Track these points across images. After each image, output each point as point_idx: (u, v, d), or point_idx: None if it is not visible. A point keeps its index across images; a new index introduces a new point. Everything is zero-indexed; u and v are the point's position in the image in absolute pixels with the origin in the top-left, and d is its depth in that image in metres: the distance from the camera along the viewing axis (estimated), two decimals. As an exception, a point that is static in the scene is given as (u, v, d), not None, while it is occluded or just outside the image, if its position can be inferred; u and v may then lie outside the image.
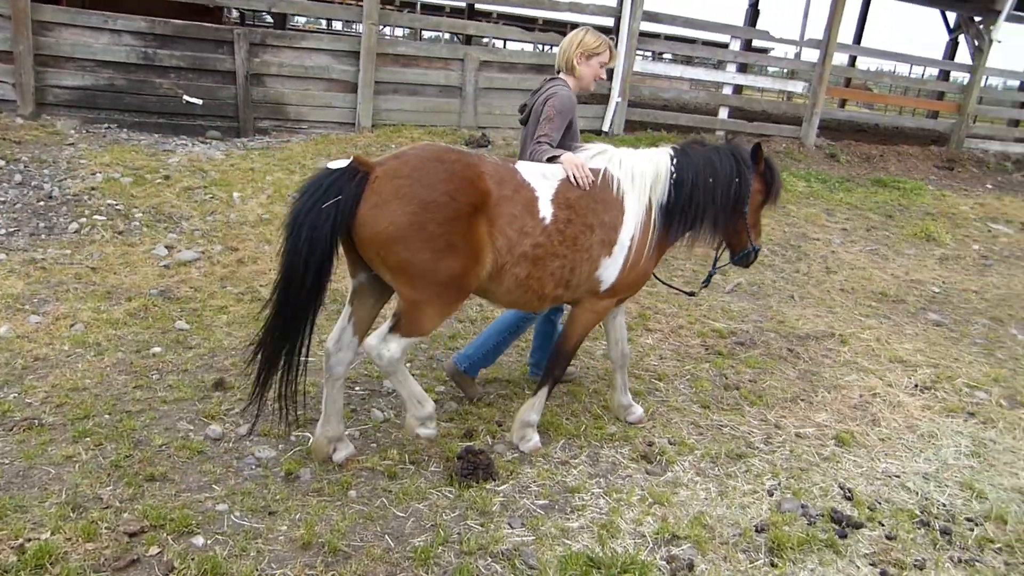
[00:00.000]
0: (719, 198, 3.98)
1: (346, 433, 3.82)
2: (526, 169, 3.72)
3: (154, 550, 3.05)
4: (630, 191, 3.86)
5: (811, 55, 14.00)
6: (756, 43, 19.69)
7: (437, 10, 28.52)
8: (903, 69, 29.84)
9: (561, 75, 4.31)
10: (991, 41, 15.17)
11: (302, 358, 3.52)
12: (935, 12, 18.79)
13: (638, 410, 4.48)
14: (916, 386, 5.50)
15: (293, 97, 9.86)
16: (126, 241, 6.35)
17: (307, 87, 9.95)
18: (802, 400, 5.06)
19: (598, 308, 3.98)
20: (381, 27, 11.67)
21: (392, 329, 3.51)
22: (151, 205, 6.93)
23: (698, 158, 3.98)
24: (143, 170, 7.51)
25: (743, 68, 15.93)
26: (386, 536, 3.29)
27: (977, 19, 15.54)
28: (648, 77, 18.70)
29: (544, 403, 4.07)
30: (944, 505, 4.00)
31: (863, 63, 22.73)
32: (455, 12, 27.35)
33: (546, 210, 3.61)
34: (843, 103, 24.64)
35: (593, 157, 3.91)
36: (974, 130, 16.48)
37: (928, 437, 4.75)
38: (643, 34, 12.69)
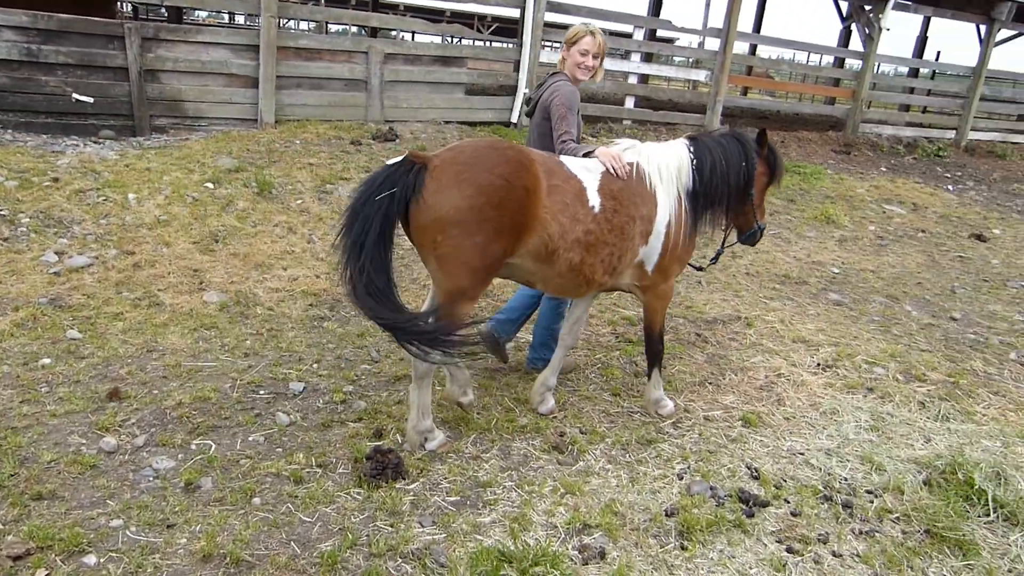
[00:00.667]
0: (731, 181, 4.28)
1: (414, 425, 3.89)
2: (570, 162, 3.94)
3: (41, 573, 2.88)
4: (659, 184, 4.13)
5: (714, 44, 14.36)
6: (661, 33, 20.07)
7: (343, 3, 28.04)
8: (801, 57, 30.97)
9: (558, 74, 4.57)
10: (880, 29, 15.86)
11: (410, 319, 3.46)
12: (829, 1, 19.50)
13: (551, 401, 4.52)
14: (818, 365, 5.70)
15: (191, 93, 9.48)
16: (12, 248, 5.98)
17: (205, 83, 9.60)
18: (710, 383, 5.17)
19: (660, 292, 4.32)
20: (282, 20, 11.35)
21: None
22: (39, 209, 6.55)
23: (711, 144, 4.29)
24: (29, 172, 7.09)
25: (648, 58, 16.22)
26: (292, 543, 3.20)
27: (867, 7, 16.21)
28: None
29: (660, 379, 4.56)
30: (846, 479, 4.14)
31: (763, 51, 23.43)
32: (361, 5, 26.91)
33: (595, 200, 3.84)
34: (745, 91, 25.36)
35: (624, 151, 4.13)
36: (868, 115, 17.20)
37: (830, 414, 4.92)
38: (550, 25, 12.75)
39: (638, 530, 3.50)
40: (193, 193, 7.23)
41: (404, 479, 3.66)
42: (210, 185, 7.47)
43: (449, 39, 12.97)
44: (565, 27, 17.36)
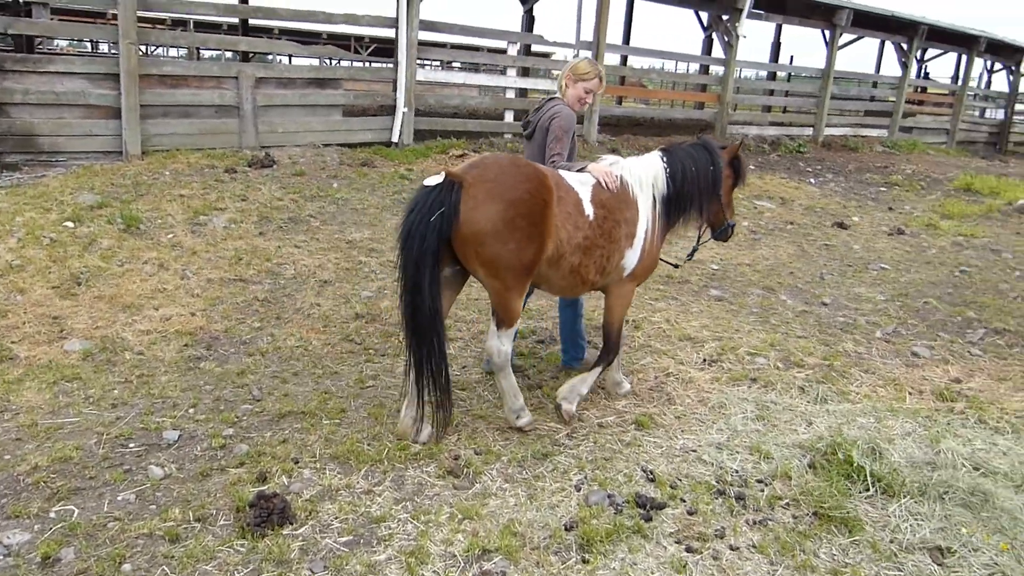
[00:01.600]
0: (701, 184, 4.73)
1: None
2: (567, 176, 4.36)
3: None
4: (640, 192, 4.58)
5: (589, 57, 14.56)
6: (538, 48, 20.28)
7: (214, 28, 27.03)
8: (670, 65, 32.00)
9: (558, 95, 4.93)
10: (738, 36, 16.54)
11: (445, 357, 4.01)
12: (691, 12, 20.21)
13: (627, 385, 5.12)
14: (704, 360, 5.76)
15: (45, 127, 8.82)
16: None
17: (61, 115, 8.95)
18: (602, 389, 5.13)
19: (625, 291, 4.71)
20: (148, 47, 10.75)
21: (498, 327, 4.13)
22: None
23: (681, 155, 4.73)
24: None
25: (525, 72, 16.33)
26: (169, 610, 2.90)
27: (724, 17, 16.88)
28: (436, 86, 18.75)
29: (595, 381, 4.78)
30: (737, 471, 4.16)
31: (635, 61, 24.09)
32: (232, 30, 26.01)
33: (589, 209, 4.28)
34: (620, 100, 25.95)
35: (611, 166, 4.59)
36: (734, 117, 17.88)
37: (718, 408, 4.96)
38: (426, 43, 12.61)
39: (539, 549, 3.38)
40: (50, 234, 6.68)
41: (291, 524, 3.41)
42: (70, 224, 6.93)
43: (329, 61, 12.66)
44: (440, 45, 17.30)
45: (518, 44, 15.04)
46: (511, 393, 4.36)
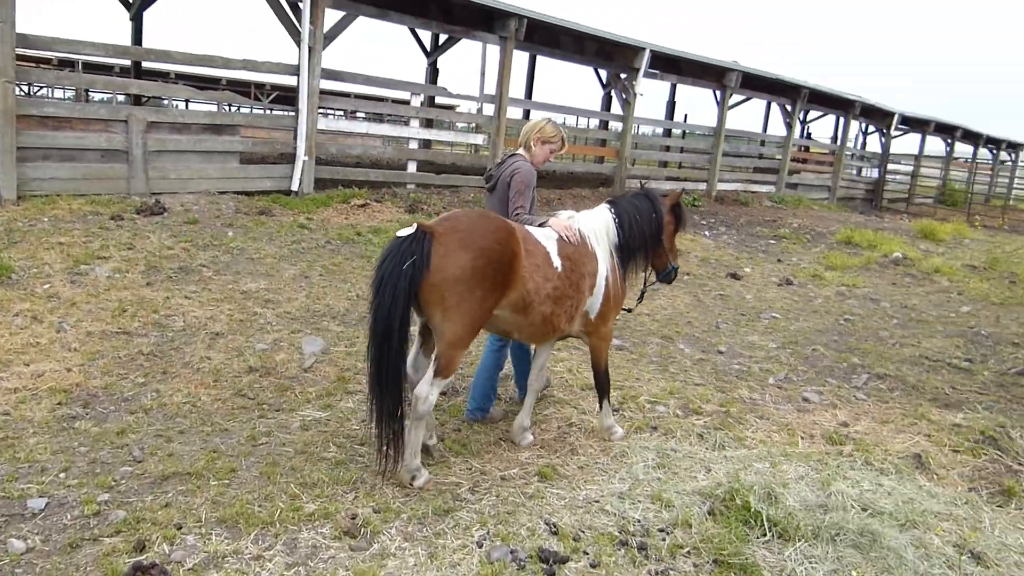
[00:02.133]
0: (646, 231, 5.12)
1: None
2: (534, 231, 4.66)
3: None
4: (597, 244, 4.93)
5: (491, 110, 14.82)
6: (442, 100, 20.50)
7: (106, 70, 26.12)
8: (571, 120, 32.92)
9: (520, 151, 5.29)
10: (635, 94, 17.21)
11: (405, 401, 4.17)
12: (591, 69, 20.94)
13: (529, 437, 5.14)
14: (606, 409, 5.79)
15: (-91, 171, 8.24)
16: None
17: (-72, 158, 8.38)
18: (504, 441, 5.08)
19: (602, 334, 5.10)
20: (24, 86, 10.25)
21: (435, 375, 4.20)
22: None
23: (627, 205, 5.12)
24: None
25: (429, 123, 16.45)
26: None
27: (623, 75, 17.56)
28: (338, 135, 18.64)
29: (610, 408, 5.30)
30: (639, 521, 4.16)
31: (537, 115, 24.65)
32: (125, 72, 25.23)
33: (558, 262, 4.59)
34: (523, 153, 26.37)
35: (568, 220, 4.91)
36: (632, 172, 18.51)
37: (620, 457, 4.98)
38: (328, 92, 12.54)
39: (438, 611, 3.26)
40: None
41: (171, 595, 3.18)
42: (-67, 275, 6.43)
43: (229, 107, 12.38)
44: (344, 94, 17.28)
45: (422, 95, 15.17)
46: (413, 449, 4.27)
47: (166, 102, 28.45)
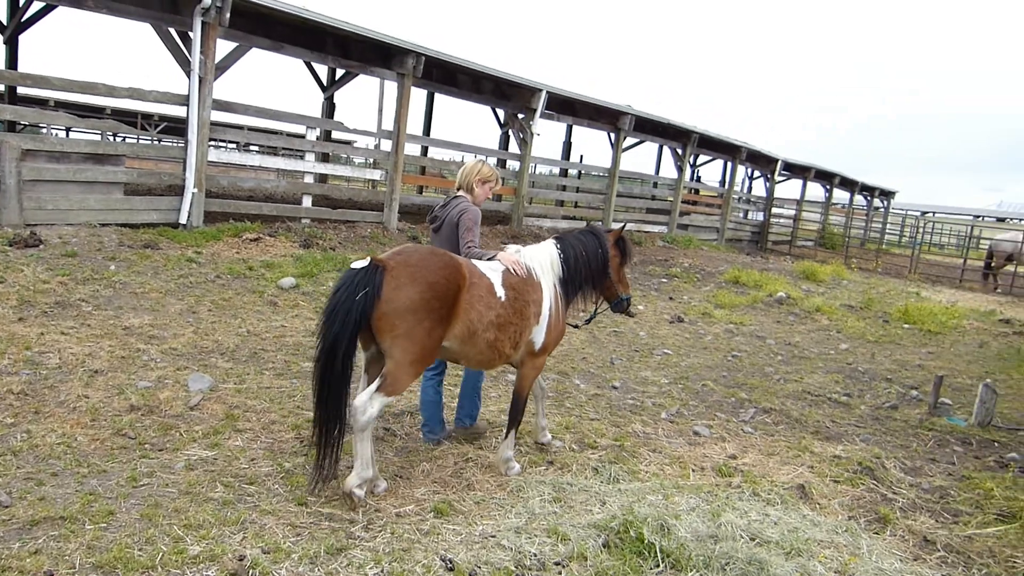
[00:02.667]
0: (592, 265, 5.54)
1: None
2: (479, 264, 5.04)
3: None
4: (542, 276, 5.31)
5: (388, 146, 14.84)
6: (339, 135, 20.39)
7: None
8: (469, 158, 33.30)
9: (461, 193, 5.68)
10: (532, 134, 17.64)
11: (343, 420, 4.50)
12: (488, 108, 21.32)
13: (548, 434, 5.95)
14: (503, 445, 5.84)
15: None
16: None
17: None
18: (401, 477, 5.04)
19: (537, 364, 5.36)
20: None
21: (378, 389, 4.44)
22: None
23: (572, 241, 5.53)
24: None
25: (325, 157, 16.30)
26: None
27: (520, 115, 17.98)
28: (230, 167, 18.22)
29: (515, 440, 5.45)
30: (535, 555, 4.19)
31: (435, 152, 24.84)
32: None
33: (500, 292, 4.93)
34: (421, 189, 26.54)
35: (516, 253, 5.32)
36: (530, 210, 18.85)
37: (517, 491, 5.02)
38: (221, 124, 12.28)
39: (330, 652, 3.19)
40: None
41: (39, 648, 2.98)
42: None
43: (113, 136, 11.91)
44: (237, 126, 16.92)
45: (318, 129, 15.06)
46: (363, 461, 4.50)
47: (44, 130, 27.11)
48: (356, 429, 4.44)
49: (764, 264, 22.35)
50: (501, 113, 21.57)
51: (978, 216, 63.90)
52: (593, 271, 5.56)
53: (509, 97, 17.88)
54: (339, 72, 18.48)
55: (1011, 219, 63.98)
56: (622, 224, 6.53)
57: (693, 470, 5.79)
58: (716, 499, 5.16)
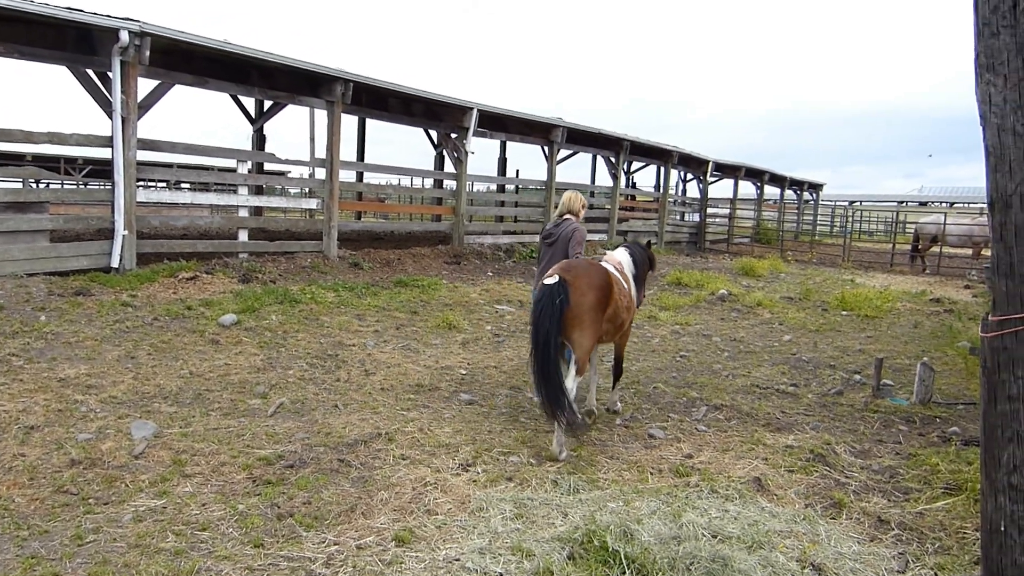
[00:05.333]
0: (643, 267, 7.78)
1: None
2: (608, 266, 6.95)
3: None
4: (628, 273, 7.41)
5: (322, 174, 14.69)
6: (272, 166, 20.09)
7: None
8: (406, 181, 33.21)
9: (568, 215, 7.58)
10: (467, 152, 17.68)
11: (564, 388, 6.01)
12: (421, 130, 21.30)
13: (618, 404, 7.73)
14: (461, 465, 5.79)
15: None
16: None
17: None
18: (359, 509, 4.94)
19: (627, 334, 7.52)
20: None
21: (575, 374, 6.25)
22: None
23: (633, 249, 7.77)
24: None
25: (259, 190, 16.06)
26: None
27: (453, 135, 18.01)
28: (162, 207, 17.78)
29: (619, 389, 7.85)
30: (501, 574, 4.15)
31: (371, 177, 24.69)
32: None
33: (624, 285, 7.00)
34: (360, 215, 26.30)
35: (610, 257, 7.49)
36: (470, 228, 18.83)
37: (478, 511, 4.97)
38: (149, 163, 11.99)
39: None
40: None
41: None
42: None
43: (32, 183, 11.53)
44: (167, 164, 16.51)
45: (249, 162, 14.82)
46: (558, 436, 6.15)
47: (-41, 180, 26.09)
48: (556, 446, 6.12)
49: (704, 264, 22.75)
50: (434, 134, 21.58)
51: (902, 202, 66.22)
52: (642, 272, 7.73)
53: (441, 117, 17.90)
54: (267, 103, 18.25)
55: (932, 203, 66.59)
56: (648, 240, 8.66)
57: (651, 473, 5.82)
58: (676, 500, 5.19)
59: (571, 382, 6.13)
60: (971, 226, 24.27)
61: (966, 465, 6.01)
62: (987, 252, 23.65)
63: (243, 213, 14.02)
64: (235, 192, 14.81)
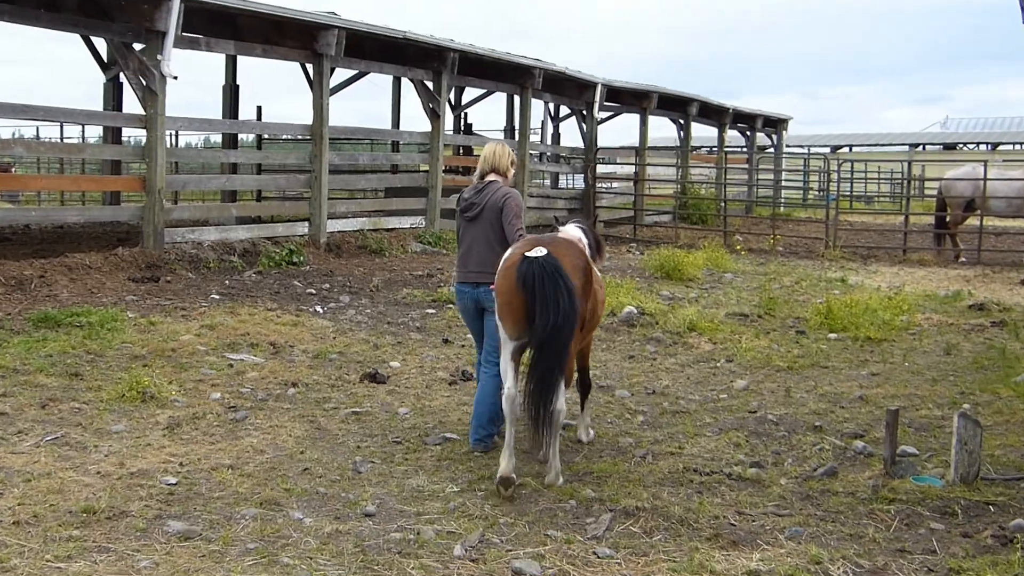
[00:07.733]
0: (594, 252, 10.23)
1: None
2: (580, 246, 9.60)
3: None
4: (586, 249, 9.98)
5: None
6: None
7: None
8: (51, 131, 31.95)
9: (494, 176, 9.18)
10: (166, 75, 17.13)
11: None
12: (78, 40, 20.53)
13: (591, 431, 10.31)
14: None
15: None
16: None
17: None
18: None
19: (591, 342, 10.61)
20: None
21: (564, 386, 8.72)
22: None
23: (586, 226, 10.44)
24: None
25: None
26: None
27: (137, 47, 17.45)
28: None
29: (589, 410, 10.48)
30: None
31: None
32: None
33: (597, 270, 9.76)
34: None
35: (567, 233, 10.04)
36: (176, 213, 18.39)
37: None
38: None
39: None
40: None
41: None
42: None
43: None
44: None
45: None
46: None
47: None
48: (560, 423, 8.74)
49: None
50: (102, 45, 20.90)
51: (916, 145, 69.28)
52: (595, 257, 9.93)
53: (113, 16, 17.34)
54: None
55: (964, 144, 69.90)
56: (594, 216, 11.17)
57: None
58: None
59: (562, 400, 8.45)
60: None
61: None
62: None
63: None
64: None
